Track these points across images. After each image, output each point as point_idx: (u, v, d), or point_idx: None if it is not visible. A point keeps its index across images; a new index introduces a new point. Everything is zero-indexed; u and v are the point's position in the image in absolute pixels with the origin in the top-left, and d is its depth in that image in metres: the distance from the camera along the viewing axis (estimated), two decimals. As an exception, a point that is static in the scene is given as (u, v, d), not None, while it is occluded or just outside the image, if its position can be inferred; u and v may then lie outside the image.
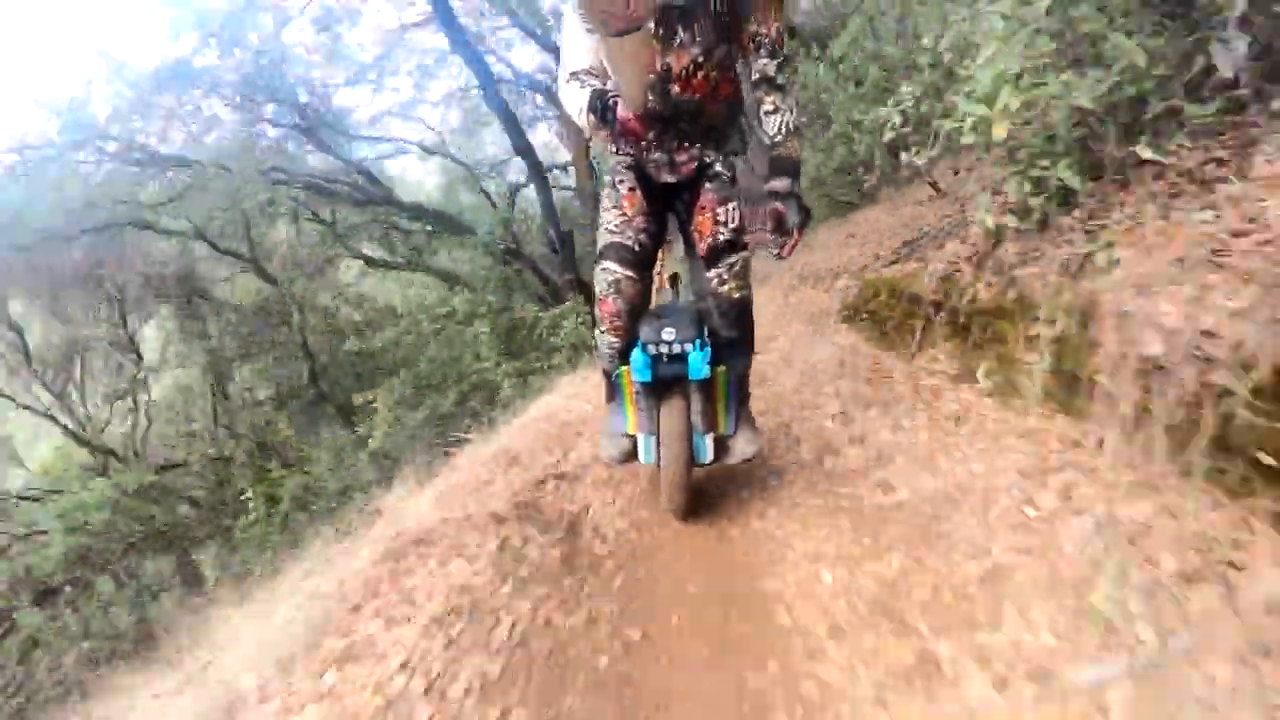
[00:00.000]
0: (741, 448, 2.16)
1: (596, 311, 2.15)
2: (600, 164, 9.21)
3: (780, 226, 1.88)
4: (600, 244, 2.08)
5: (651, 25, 1.71)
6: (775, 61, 1.84)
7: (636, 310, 2.08)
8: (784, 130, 1.87)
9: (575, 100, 1.83)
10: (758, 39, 1.82)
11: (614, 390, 2.25)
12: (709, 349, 1.98)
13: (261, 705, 1.68)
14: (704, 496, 2.39)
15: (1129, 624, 1.21)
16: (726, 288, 2.01)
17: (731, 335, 2.08)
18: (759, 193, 1.99)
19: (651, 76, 1.77)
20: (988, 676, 1.26)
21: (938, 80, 3.16)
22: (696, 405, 2.06)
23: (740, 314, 2.06)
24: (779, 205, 1.86)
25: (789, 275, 5.68)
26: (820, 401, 2.94)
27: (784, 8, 1.88)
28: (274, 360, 11.62)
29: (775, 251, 1.95)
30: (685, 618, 1.79)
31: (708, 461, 2.14)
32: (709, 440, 2.12)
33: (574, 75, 1.87)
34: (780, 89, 1.86)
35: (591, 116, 1.78)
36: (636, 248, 2.05)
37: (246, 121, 9.94)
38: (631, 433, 2.21)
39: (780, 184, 1.86)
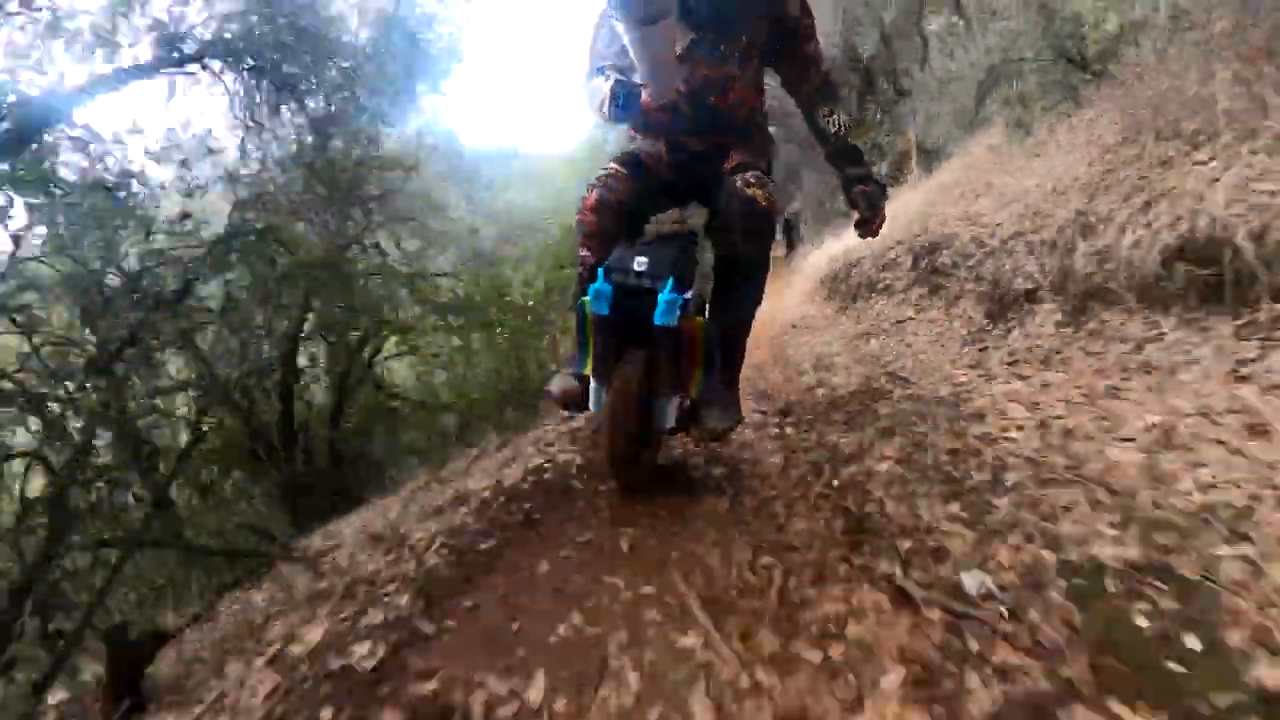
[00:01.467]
0: (708, 421, 1.75)
1: (576, 215, 1.82)
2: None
3: (871, 205, 1.85)
4: (620, 153, 1.96)
5: (687, 41, 1.71)
6: (820, 76, 1.88)
7: (620, 216, 1.81)
8: (843, 127, 1.89)
9: (599, 91, 1.70)
10: (806, 57, 1.86)
11: (578, 320, 1.88)
12: (686, 295, 1.58)
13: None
14: (663, 474, 2.01)
15: None
16: (752, 190, 1.75)
17: (740, 256, 1.80)
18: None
19: (683, 83, 1.75)
20: None
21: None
22: (661, 362, 1.66)
23: (760, 226, 1.77)
24: (864, 186, 1.85)
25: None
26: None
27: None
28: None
29: (866, 230, 1.89)
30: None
31: (669, 426, 1.75)
32: (672, 405, 1.72)
33: (599, 69, 1.77)
34: (831, 99, 1.90)
35: (614, 107, 1.65)
36: (647, 161, 1.91)
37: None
38: (587, 373, 1.85)
39: (858, 170, 1.87)
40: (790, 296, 8.36)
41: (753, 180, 1.75)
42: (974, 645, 1.01)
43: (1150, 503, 1.29)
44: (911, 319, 4.02)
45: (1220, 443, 1.43)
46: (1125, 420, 1.68)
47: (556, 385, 1.92)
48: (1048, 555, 1.20)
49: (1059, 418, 1.83)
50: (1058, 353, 2.39)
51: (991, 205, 4.00)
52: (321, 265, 5.65)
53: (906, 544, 1.35)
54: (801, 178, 14.20)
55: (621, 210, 1.82)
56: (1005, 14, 5.53)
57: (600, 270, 1.63)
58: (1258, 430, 1.42)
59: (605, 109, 1.68)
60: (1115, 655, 0.94)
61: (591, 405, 1.82)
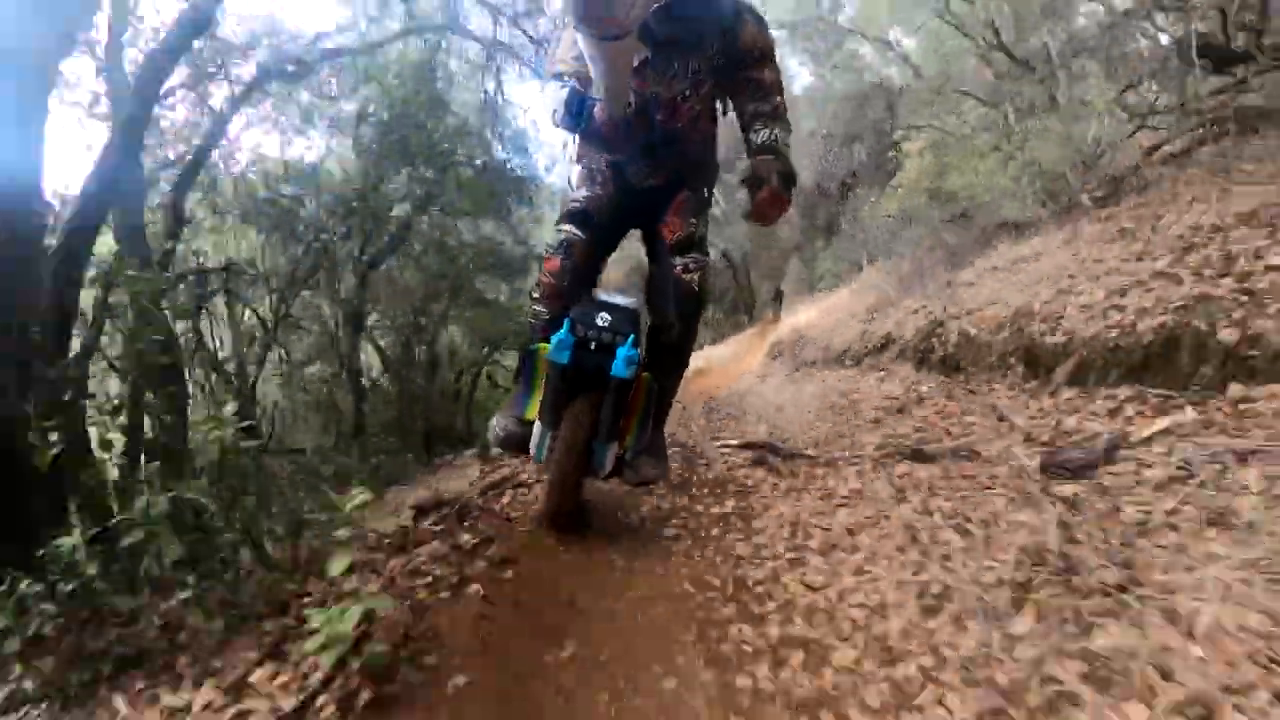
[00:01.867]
0: (645, 469, 1.93)
1: (538, 276, 1.95)
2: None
3: (762, 185, 1.74)
4: (566, 208, 2.00)
5: (648, 53, 1.76)
6: (769, 106, 1.83)
7: (579, 281, 1.94)
8: (774, 137, 1.80)
9: (554, 98, 1.77)
10: (755, 83, 1.84)
11: (524, 367, 1.99)
12: (639, 351, 1.78)
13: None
14: (586, 516, 2.12)
15: None
16: (690, 276, 1.91)
17: (679, 332, 1.96)
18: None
19: (634, 96, 1.79)
20: None
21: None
22: (607, 411, 1.83)
23: (696, 310, 1.95)
24: (767, 157, 1.77)
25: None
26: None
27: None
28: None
29: (758, 217, 1.79)
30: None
31: (603, 473, 1.89)
32: (611, 451, 1.88)
33: (556, 75, 1.85)
34: (774, 121, 1.83)
35: (567, 116, 1.72)
36: (598, 219, 1.98)
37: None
38: (530, 418, 1.95)
39: (768, 157, 1.77)
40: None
41: (692, 266, 1.93)
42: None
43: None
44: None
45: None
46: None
47: (499, 428, 1.99)
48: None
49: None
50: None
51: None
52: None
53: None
54: (790, 259, 15.82)
55: (578, 275, 1.95)
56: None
57: (566, 321, 1.78)
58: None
59: (558, 117, 1.74)
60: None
61: (531, 450, 1.91)
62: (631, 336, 1.76)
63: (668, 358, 1.97)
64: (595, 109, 1.70)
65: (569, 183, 2.09)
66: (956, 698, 1.06)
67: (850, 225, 10.58)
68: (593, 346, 1.77)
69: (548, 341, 1.88)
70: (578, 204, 1.98)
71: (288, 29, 8.68)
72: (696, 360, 9.86)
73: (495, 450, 2.07)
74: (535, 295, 1.99)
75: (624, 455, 1.94)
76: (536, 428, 1.90)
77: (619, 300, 1.96)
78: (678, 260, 1.94)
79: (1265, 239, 2.37)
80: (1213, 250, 2.48)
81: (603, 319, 1.78)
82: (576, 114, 1.70)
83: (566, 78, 1.79)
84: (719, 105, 1.98)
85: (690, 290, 1.92)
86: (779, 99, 1.86)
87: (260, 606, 1.54)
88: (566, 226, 1.97)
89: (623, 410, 1.86)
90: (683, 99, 1.86)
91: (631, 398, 1.86)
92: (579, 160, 2.07)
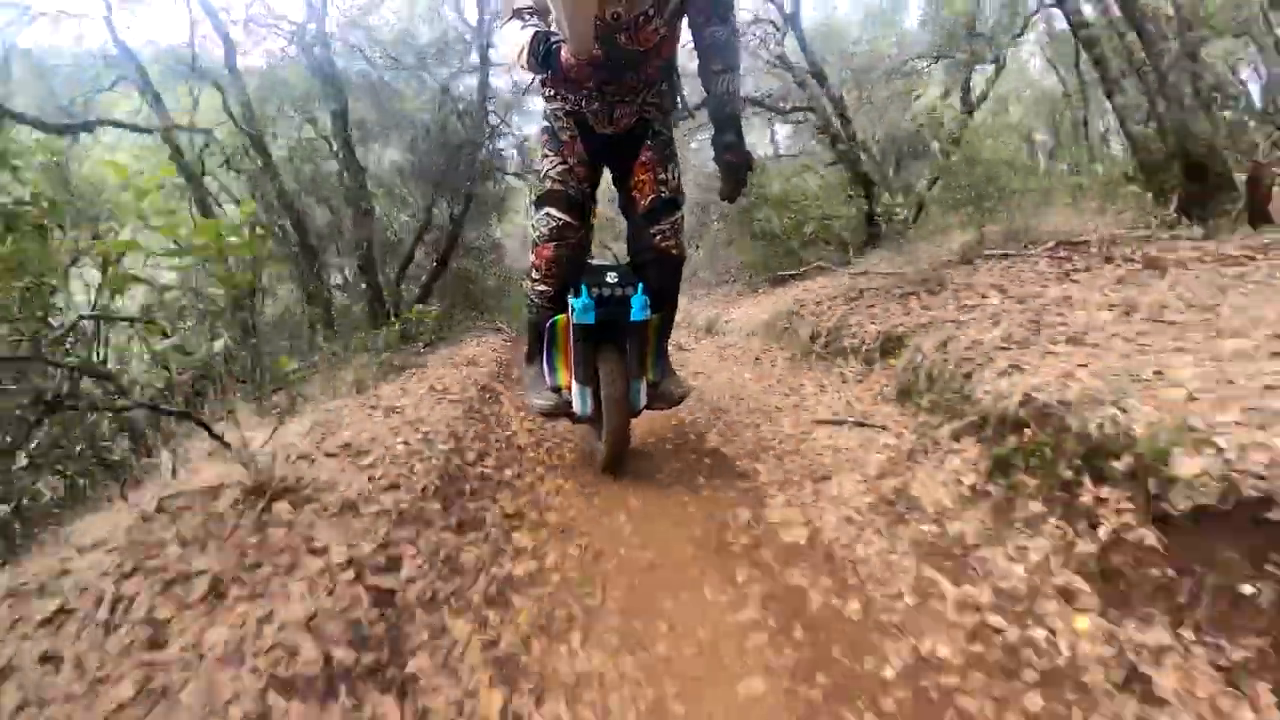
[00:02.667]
0: (673, 390, 2.24)
1: (531, 258, 2.11)
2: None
3: (731, 173, 1.89)
4: (539, 191, 2.09)
5: None
6: (727, 29, 1.88)
7: (575, 259, 2.10)
8: (730, 90, 1.89)
9: (517, 41, 1.76)
10: (713, 4, 1.85)
11: (541, 342, 2.20)
12: (647, 297, 2.06)
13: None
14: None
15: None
16: (667, 244, 2.07)
17: (665, 287, 2.17)
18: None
19: (598, 21, 1.70)
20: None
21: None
22: (632, 352, 2.10)
23: (675, 269, 2.15)
24: (730, 157, 1.88)
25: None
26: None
27: None
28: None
29: (724, 194, 1.97)
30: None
31: (640, 407, 2.18)
32: (642, 386, 2.17)
33: (516, 13, 1.81)
34: (730, 53, 1.89)
35: (532, 59, 1.73)
36: (579, 196, 2.08)
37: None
38: (563, 384, 2.17)
39: (729, 138, 1.87)
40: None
41: (668, 232, 2.03)
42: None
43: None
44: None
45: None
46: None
47: (539, 403, 2.17)
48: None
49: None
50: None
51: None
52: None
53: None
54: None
55: (574, 257, 2.05)
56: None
57: (582, 287, 2.00)
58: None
59: (525, 60, 1.72)
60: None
61: (576, 408, 2.14)
62: (640, 285, 2.05)
63: (665, 299, 2.20)
64: (561, 50, 1.67)
65: (540, 147, 2.09)
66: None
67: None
68: (611, 303, 2.02)
69: (555, 315, 2.11)
70: (554, 184, 2.03)
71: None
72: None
73: (546, 417, 2.26)
74: (535, 277, 2.12)
75: (651, 387, 2.23)
76: (575, 389, 2.13)
77: (614, 261, 2.21)
78: (654, 230, 2.04)
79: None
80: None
81: (612, 277, 2.04)
82: (544, 57, 1.68)
83: (527, 16, 1.77)
84: (681, 24, 1.93)
85: (668, 255, 2.07)
86: (733, 18, 1.88)
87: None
88: (550, 210, 2.03)
89: (643, 347, 2.15)
90: (645, 19, 1.78)
91: (646, 335, 2.16)
92: (544, 120, 2.09)
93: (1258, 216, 3.59)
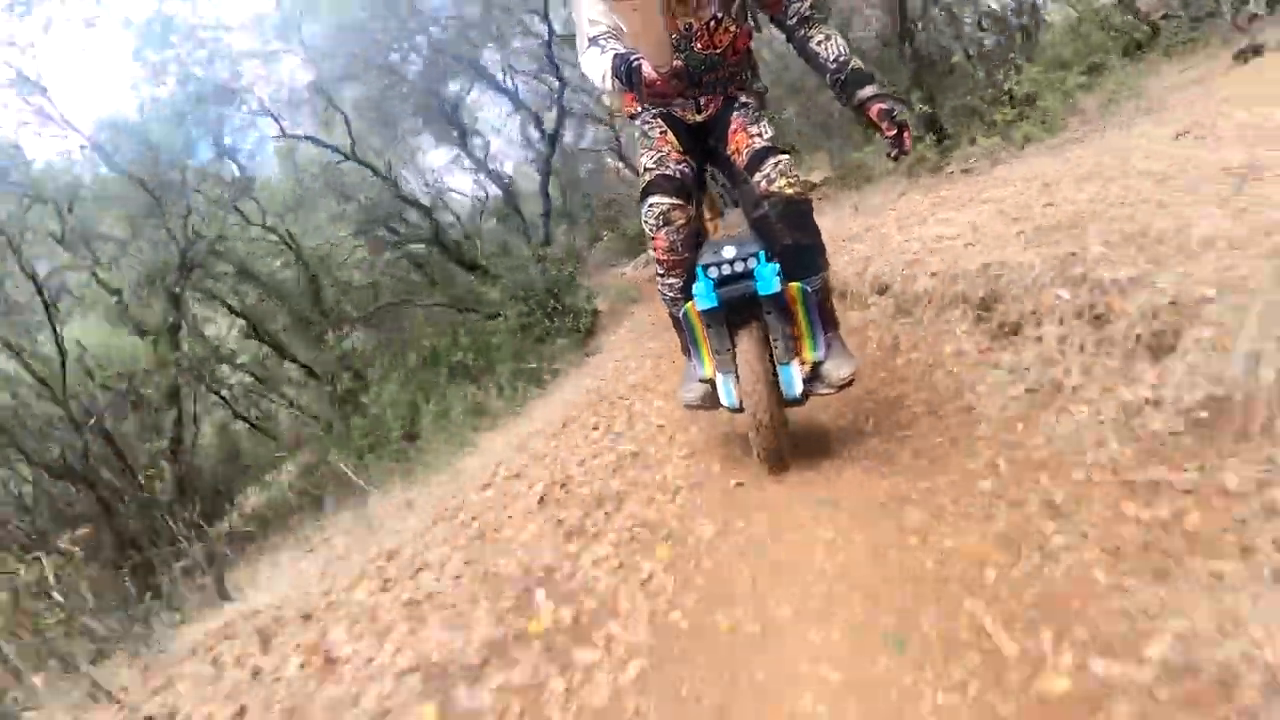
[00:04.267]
0: (835, 372, 1.90)
1: (650, 253, 2.04)
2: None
3: (892, 121, 1.80)
4: (641, 185, 2.00)
5: None
6: (809, 2, 1.86)
7: (690, 242, 1.95)
8: (842, 52, 1.86)
9: (598, 66, 1.75)
10: (794, 8, 1.85)
11: (684, 334, 2.09)
12: (775, 264, 1.78)
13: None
14: (799, 442, 2.12)
15: None
16: (778, 184, 1.83)
17: (797, 240, 1.88)
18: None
19: (673, 34, 1.77)
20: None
21: None
22: (776, 330, 1.84)
23: (801, 214, 1.87)
24: (881, 105, 1.81)
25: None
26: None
27: None
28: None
29: (894, 151, 1.85)
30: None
31: (798, 394, 1.89)
32: (795, 369, 1.89)
33: (593, 41, 1.80)
34: (823, 22, 1.89)
35: (616, 81, 1.70)
36: (678, 176, 1.96)
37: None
38: (709, 376, 2.03)
39: (871, 89, 1.83)
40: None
41: (773, 174, 1.81)
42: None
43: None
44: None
45: None
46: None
47: (691, 395, 2.08)
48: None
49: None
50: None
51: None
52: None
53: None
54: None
55: (688, 240, 1.92)
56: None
57: (699, 270, 1.85)
58: None
59: (608, 82, 1.71)
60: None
61: (722, 400, 1.98)
62: (761, 253, 1.78)
63: (806, 258, 1.93)
64: (643, 67, 1.65)
65: (638, 154, 2.06)
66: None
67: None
68: (732, 279, 1.81)
69: (689, 301, 1.97)
70: (651, 173, 1.97)
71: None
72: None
73: (696, 409, 2.16)
74: (660, 273, 2.03)
75: (811, 368, 1.93)
76: (719, 379, 1.96)
77: (735, 232, 1.99)
78: (757, 175, 1.86)
79: None
80: None
81: (729, 251, 1.82)
82: (627, 77, 1.66)
83: (604, 41, 1.77)
84: (752, 20, 1.93)
85: (784, 197, 1.83)
86: None
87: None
88: (653, 199, 1.94)
89: (788, 324, 1.86)
90: (715, 22, 1.82)
91: (791, 309, 1.87)
92: (637, 127, 2.06)
93: None
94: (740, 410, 1.97)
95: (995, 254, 2.43)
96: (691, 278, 1.91)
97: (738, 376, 1.89)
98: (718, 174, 2.15)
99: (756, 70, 2.07)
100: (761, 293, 1.78)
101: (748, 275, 1.79)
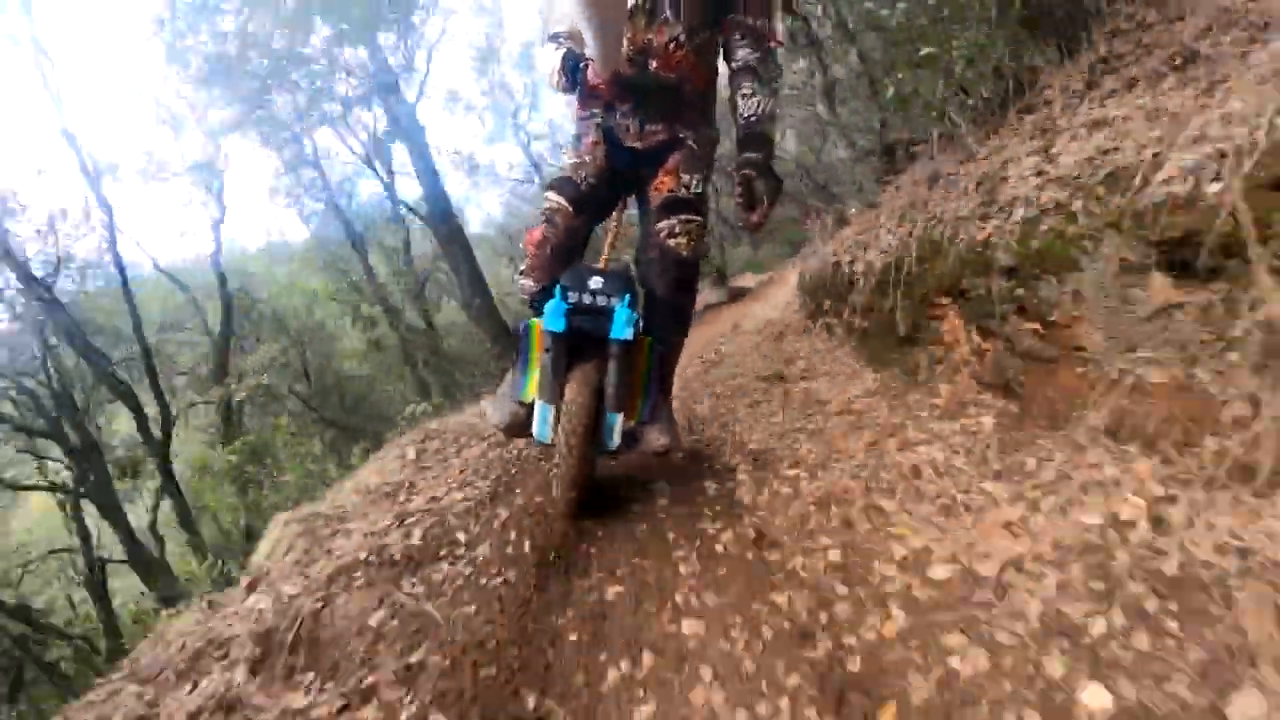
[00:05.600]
0: (655, 438, 1.84)
1: (521, 246, 1.86)
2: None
3: (751, 195, 1.71)
4: (557, 172, 1.96)
5: (632, 3, 1.68)
6: (758, 54, 1.78)
7: (564, 251, 1.86)
8: (760, 112, 1.77)
9: (549, 60, 1.75)
10: (744, 28, 1.78)
11: (520, 344, 1.90)
12: (636, 312, 1.69)
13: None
14: (603, 493, 2.03)
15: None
16: (676, 240, 1.79)
17: (672, 299, 1.84)
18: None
19: (632, 50, 1.74)
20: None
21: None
22: (612, 377, 1.74)
23: (682, 277, 1.84)
24: (750, 172, 1.71)
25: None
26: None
27: (777, 4, 1.84)
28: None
29: (744, 221, 1.75)
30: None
31: (613, 447, 1.80)
32: (619, 422, 1.79)
33: (553, 37, 1.80)
34: (760, 79, 1.79)
35: (561, 77, 1.71)
36: (584, 188, 1.88)
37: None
38: (529, 399, 1.86)
39: (753, 155, 1.71)
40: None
41: (678, 229, 1.79)
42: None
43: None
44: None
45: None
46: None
47: (499, 413, 1.89)
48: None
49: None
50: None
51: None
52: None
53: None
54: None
55: (561, 246, 1.85)
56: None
57: (557, 288, 1.69)
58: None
59: (555, 79, 1.73)
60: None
61: (535, 430, 1.82)
62: (627, 296, 1.69)
63: (667, 319, 1.88)
64: (589, 70, 1.66)
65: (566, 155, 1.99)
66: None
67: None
68: (588, 310, 1.68)
69: (539, 315, 1.80)
70: (563, 171, 1.92)
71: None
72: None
73: (503, 432, 1.96)
74: (521, 270, 1.91)
75: (632, 426, 1.85)
76: (538, 406, 1.80)
77: (611, 268, 1.89)
78: (663, 223, 1.81)
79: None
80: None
81: (595, 282, 1.70)
82: (571, 75, 1.67)
83: (562, 39, 1.75)
84: (721, 61, 1.88)
85: (676, 256, 1.79)
86: (769, 44, 1.79)
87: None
88: (550, 194, 1.90)
89: (627, 375, 1.77)
90: (675, 44, 1.76)
91: (635, 361, 1.78)
92: (576, 127, 1.98)
93: None
94: (549, 445, 1.83)
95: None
96: (548, 294, 1.76)
97: (559, 410, 1.75)
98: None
99: (712, 116, 1.97)
100: (613, 335, 1.67)
101: (605, 313, 1.68)
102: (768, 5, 1.78)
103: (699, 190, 1.87)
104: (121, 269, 10.20)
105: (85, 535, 9.48)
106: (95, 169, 10.21)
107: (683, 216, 1.81)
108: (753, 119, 1.76)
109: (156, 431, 9.66)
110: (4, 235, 8.80)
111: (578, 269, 1.78)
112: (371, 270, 11.94)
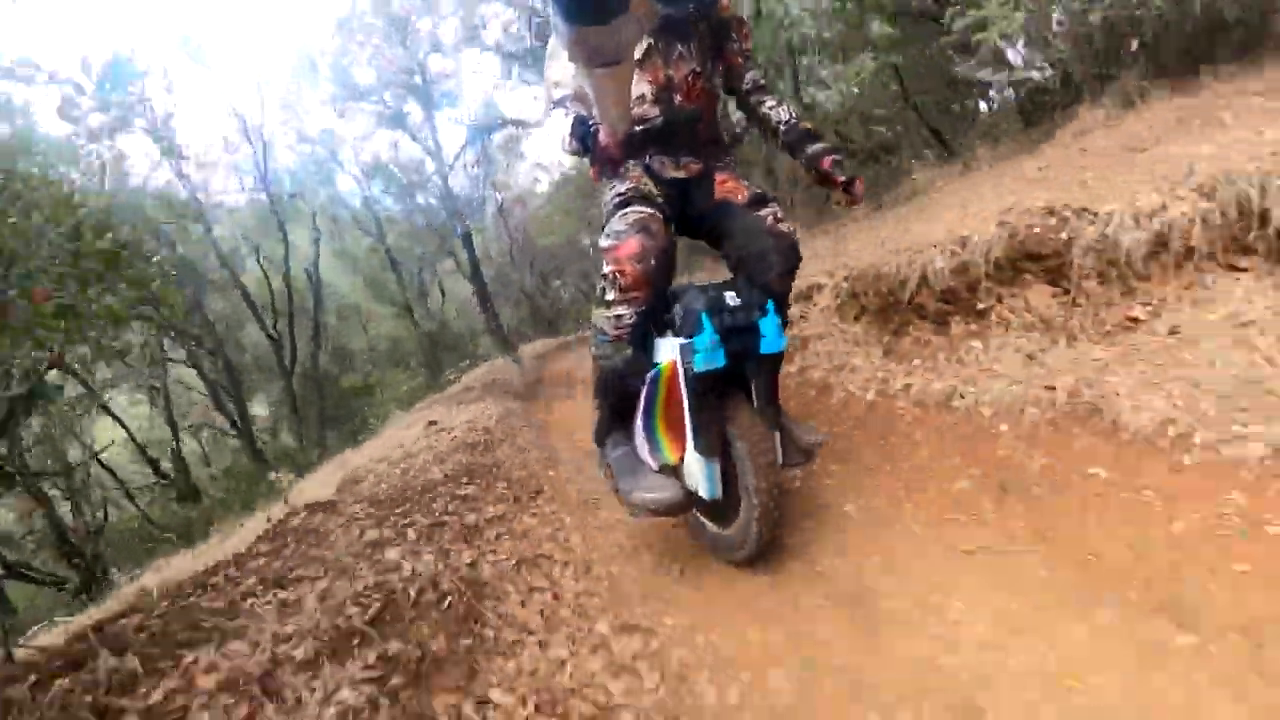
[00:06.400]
0: (805, 436, 1.68)
1: (607, 270, 1.58)
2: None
3: (840, 174, 1.80)
4: (612, 202, 1.75)
5: (645, 46, 1.73)
6: (760, 71, 1.99)
7: (666, 265, 1.61)
8: (794, 114, 1.95)
9: (559, 127, 1.69)
10: (744, 54, 1.91)
11: (633, 407, 1.56)
12: (781, 317, 1.50)
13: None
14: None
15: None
16: (785, 225, 1.73)
17: (779, 289, 1.71)
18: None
19: (655, 87, 1.77)
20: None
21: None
22: (764, 394, 1.53)
23: (794, 262, 1.74)
24: (832, 158, 1.82)
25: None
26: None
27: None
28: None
29: (844, 200, 1.84)
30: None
31: (796, 463, 1.60)
32: (778, 439, 1.59)
33: (558, 103, 1.75)
34: (771, 91, 2.00)
35: (574, 142, 1.64)
36: (660, 198, 1.75)
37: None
38: (672, 461, 1.55)
39: (821, 144, 1.85)
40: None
41: (780, 214, 1.76)
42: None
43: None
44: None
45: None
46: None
47: (657, 497, 1.53)
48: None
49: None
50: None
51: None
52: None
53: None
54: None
55: (664, 257, 1.60)
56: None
57: (703, 317, 1.40)
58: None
59: (566, 144, 1.66)
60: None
61: (703, 490, 1.52)
62: (770, 303, 1.47)
63: (783, 310, 1.73)
64: (599, 133, 1.58)
65: (606, 191, 1.83)
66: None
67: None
68: (736, 332, 1.43)
69: (634, 354, 1.49)
70: (629, 186, 1.75)
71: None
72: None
73: (663, 516, 1.60)
74: (610, 298, 1.58)
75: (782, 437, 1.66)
76: (697, 464, 1.50)
77: (715, 281, 1.64)
78: (764, 211, 1.75)
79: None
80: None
81: (732, 297, 1.46)
82: (582, 140, 1.59)
83: (569, 104, 1.69)
84: (718, 81, 1.92)
85: (791, 240, 1.73)
86: (764, 70, 1.97)
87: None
88: (631, 208, 1.69)
89: (775, 387, 1.57)
90: (694, 76, 1.80)
91: (775, 373, 1.58)
92: (606, 184, 1.85)
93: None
94: (717, 500, 1.54)
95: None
96: (652, 315, 1.47)
97: (720, 458, 1.48)
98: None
99: (725, 145, 2.01)
100: (765, 350, 1.45)
101: (753, 329, 1.44)
102: (748, 28, 1.96)
103: (760, 189, 1.86)
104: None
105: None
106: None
107: (776, 207, 1.78)
108: (793, 120, 1.91)
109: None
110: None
111: (701, 289, 1.50)
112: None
